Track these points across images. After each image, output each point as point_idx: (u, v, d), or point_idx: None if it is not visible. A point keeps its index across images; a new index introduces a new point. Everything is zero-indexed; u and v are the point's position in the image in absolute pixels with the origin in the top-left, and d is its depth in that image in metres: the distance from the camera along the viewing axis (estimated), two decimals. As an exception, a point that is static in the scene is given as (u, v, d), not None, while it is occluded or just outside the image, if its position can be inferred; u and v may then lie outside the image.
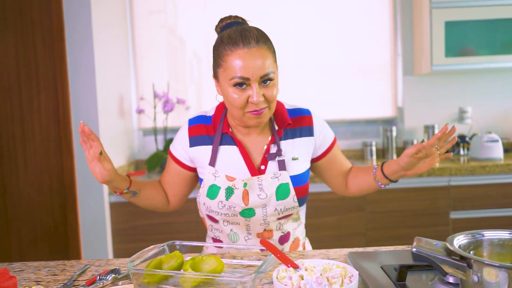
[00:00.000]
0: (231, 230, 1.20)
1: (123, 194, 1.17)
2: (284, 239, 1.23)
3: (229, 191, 1.14)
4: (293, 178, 1.17)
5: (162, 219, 2.35)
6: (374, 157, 2.83)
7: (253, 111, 1.09)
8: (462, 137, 2.81)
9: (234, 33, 1.07)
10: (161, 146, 2.84)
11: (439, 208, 2.39)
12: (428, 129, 2.81)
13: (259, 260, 1.03)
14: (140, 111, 2.74)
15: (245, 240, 1.21)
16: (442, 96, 2.90)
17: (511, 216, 2.38)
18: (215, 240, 1.26)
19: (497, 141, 2.58)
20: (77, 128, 2.23)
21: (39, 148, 2.27)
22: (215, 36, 1.19)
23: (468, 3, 2.52)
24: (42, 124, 2.26)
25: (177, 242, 1.04)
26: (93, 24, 2.23)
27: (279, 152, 1.17)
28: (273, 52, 1.11)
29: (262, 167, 1.17)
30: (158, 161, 2.62)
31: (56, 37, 2.22)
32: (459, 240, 0.84)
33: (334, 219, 2.38)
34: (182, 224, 2.36)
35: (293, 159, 1.18)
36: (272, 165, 1.17)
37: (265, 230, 1.19)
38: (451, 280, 0.87)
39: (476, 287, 0.74)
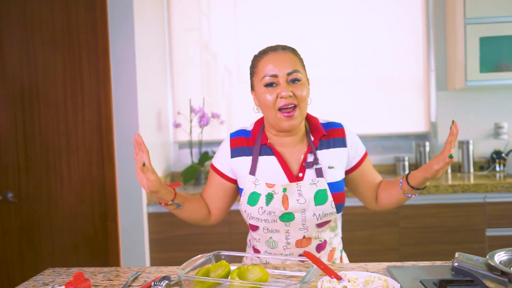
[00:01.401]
0: (270, 237, 1.24)
1: (167, 205, 1.24)
2: (320, 247, 1.26)
3: (269, 197, 1.21)
4: (330, 185, 1.22)
5: (196, 230, 2.42)
6: (407, 172, 2.82)
7: (285, 112, 1.17)
8: (498, 153, 2.77)
9: (264, 47, 1.26)
10: (196, 159, 2.92)
11: (474, 225, 2.36)
12: (463, 144, 2.79)
13: (300, 271, 1.07)
14: (177, 125, 2.85)
15: (284, 249, 1.24)
16: (476, 112, 2.87)
17: (550, 234, 2.33)
18: (255, 250, 1.30)
19: (534, 157, 2.53)
20: (119, 141, 2.36)
21: (82, 160, 2.39)
22: (245, 50, 1.30)
23: (503, 19, 2.51)
24: (85, 138, 2.39)
25: (222, 252, 1.09)
26: (136, 43, 2.35)
27: (316, 161, 1.23)
28: (301, 59, 1.24)
29: (300, 174, 1.23)
30: (193, 173, 2.70)
31: (101, 56, 2.35)
32: (500, 256, 0.86)
33: (367, 233, 2.39)
34: (216, 235, 2.42)
35: (329, 167, 1.24)
36: (310, 173, 1.23)
37: (304, 237, 1.23)
38: (492, 295, 0.88)
39: (519, 302, 0.76)
